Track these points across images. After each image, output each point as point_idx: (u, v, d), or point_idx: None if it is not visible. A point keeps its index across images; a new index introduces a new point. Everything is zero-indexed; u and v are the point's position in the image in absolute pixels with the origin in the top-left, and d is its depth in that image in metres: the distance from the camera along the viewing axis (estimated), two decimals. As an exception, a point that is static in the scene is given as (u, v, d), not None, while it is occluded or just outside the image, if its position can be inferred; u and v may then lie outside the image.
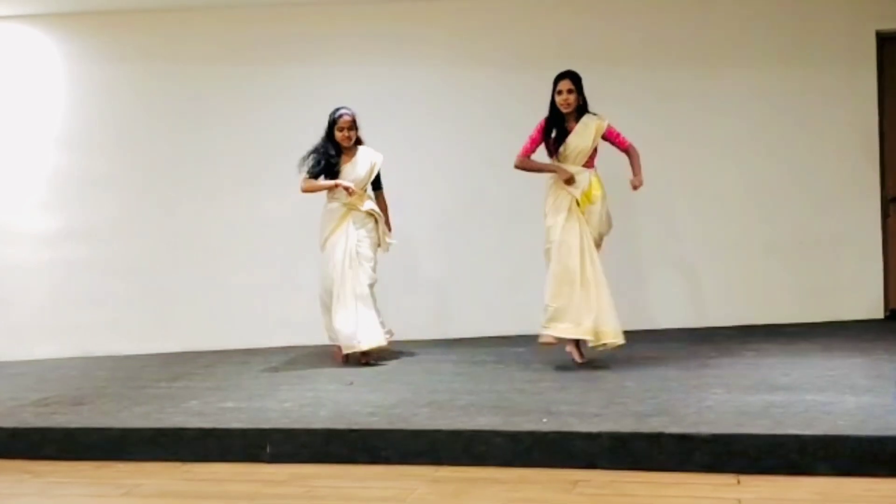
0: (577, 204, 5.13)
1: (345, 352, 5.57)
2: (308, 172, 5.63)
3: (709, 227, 6.79)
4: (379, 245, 5.72)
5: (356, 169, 5.62)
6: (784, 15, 6.75)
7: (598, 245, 5.21)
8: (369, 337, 5.49)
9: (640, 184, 5.18)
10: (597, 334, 5.01)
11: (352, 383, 4.93)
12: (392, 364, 5.64)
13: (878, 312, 6.68)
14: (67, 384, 5.43)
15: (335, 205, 5.66)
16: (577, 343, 5.18)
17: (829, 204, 6.72)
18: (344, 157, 5.64)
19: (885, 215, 6.74)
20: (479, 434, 3.65)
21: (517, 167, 5.28)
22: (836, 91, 6.68)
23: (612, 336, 5.03)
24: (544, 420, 3.75)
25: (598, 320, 5.00)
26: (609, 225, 5.30)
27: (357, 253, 5.57)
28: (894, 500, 3.06)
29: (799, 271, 6.72)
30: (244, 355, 6.34)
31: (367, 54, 6.93)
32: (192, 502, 3.40)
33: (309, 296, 6.83)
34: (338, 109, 5.63)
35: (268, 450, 3.83)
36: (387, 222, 5.75)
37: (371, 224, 5.67)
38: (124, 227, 7.00)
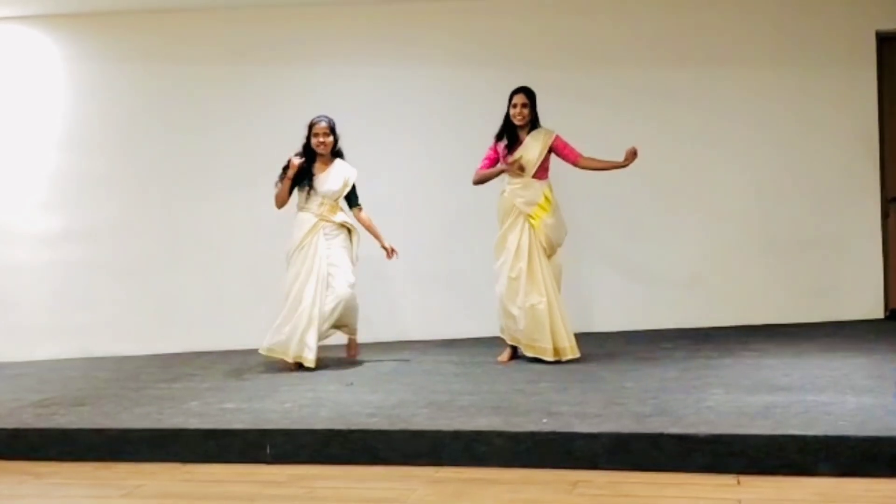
0: (531, 217, 5.30)
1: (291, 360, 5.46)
2: (276, 183, 5.56)
3: (709, 227, 6.79)
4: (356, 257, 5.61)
5: (329, 180, 5.53)
6: (784, 15, 6.76)
7: (550, 255, 5.36)
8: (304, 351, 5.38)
9: (632, 150, 5.21)
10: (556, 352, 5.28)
11: (352, 384, 4.93)
12: (392, 364, 5.64)
13: (879, 312, 6.69)
14: (68, 385, 5.43)
15: (306, 215, 5.53)
16: (514, 350, 5.50)
17: (829, 204, 6.72)
18: (319, 166, 5.57)
19: (885, 215, 6.74)
20: (480, 435, 3.65)
21: (475, 182, 5.49)
22: (836, 91, 6.69)
23: (570, 352, 5.28)
24: (544, 421, 3.76)
25: (554, 338, 5.26)
26: (564, 234, 5.42)
27: (328, 273, 5.42)
28: (895, 500, 3.06)
29: (799, 271, 6.72)
30: (244, 355, 6.33)
31: (367, 55, 6.93)
32: (192, 503, 3.40)
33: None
34: (316, 117, 5.60)
35: (268, 451, 3.83)
36: (377, 236, 5.63)
37: (343, 235, 5.54)
38: (124, 228, 6.99)
